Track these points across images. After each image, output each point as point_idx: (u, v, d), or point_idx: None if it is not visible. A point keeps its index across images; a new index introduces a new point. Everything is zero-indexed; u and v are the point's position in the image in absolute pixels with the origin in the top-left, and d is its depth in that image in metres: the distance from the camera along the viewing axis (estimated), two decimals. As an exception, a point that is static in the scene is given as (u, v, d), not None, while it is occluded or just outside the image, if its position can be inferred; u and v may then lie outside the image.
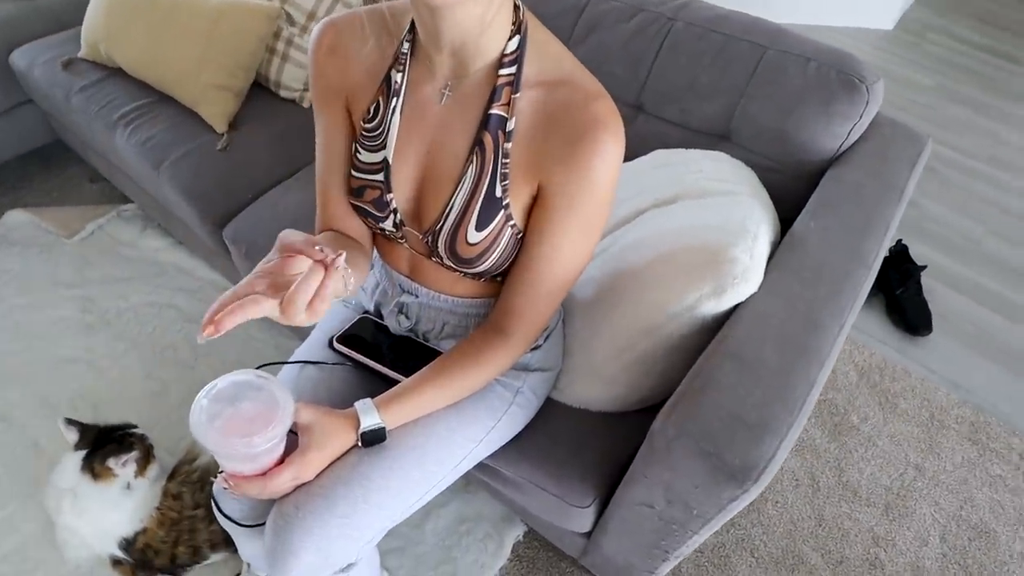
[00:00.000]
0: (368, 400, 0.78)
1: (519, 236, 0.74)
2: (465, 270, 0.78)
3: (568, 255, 0.72)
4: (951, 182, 2.30)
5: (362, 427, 0.76)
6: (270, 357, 1.56)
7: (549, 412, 1.01)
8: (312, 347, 0.96)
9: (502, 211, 0.71)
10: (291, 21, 1.49)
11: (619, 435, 1.01)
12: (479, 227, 0.72)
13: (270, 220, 1.30)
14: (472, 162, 0.70)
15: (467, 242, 0.73)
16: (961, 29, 3.32)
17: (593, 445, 0.99)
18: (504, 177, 0.69)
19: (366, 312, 1.00)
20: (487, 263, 0.75)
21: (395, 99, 0.73)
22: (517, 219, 0.72)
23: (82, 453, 1.17)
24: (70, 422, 1.21)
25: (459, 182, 0.71)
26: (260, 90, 1.57)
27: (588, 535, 1.06)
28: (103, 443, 1.19)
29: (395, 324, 0.93)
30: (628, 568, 1.04)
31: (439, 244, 0.76)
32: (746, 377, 0.76)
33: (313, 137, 0.86)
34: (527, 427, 0.98)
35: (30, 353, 1.54)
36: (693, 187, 1.02)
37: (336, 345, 0.94)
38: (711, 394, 0.75)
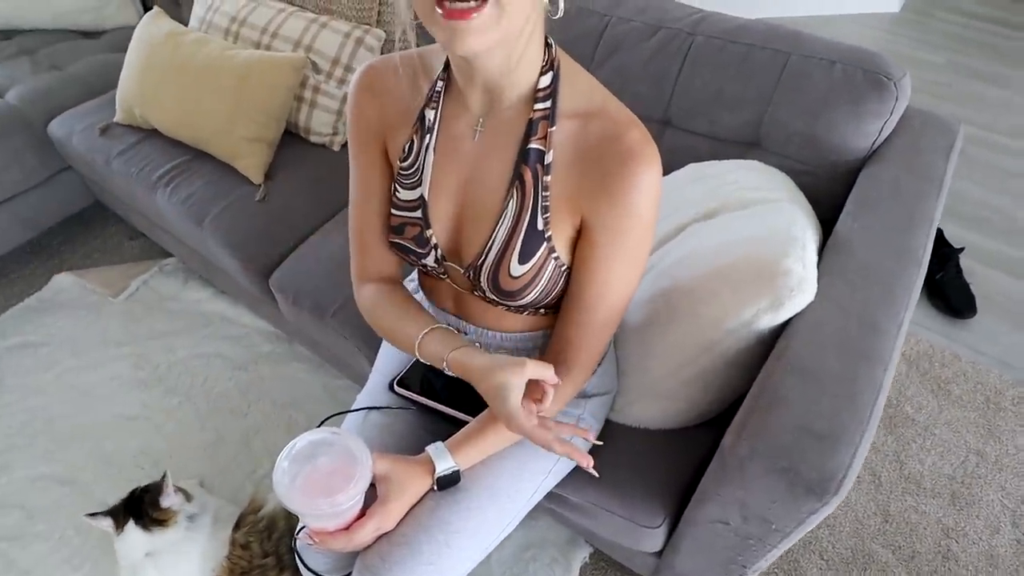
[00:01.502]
0: (440, 444, 0.80)
1: (563, 269, 0.75)
2: (509, 303, 0.79)
3: (617, 286, 0.74)
4: (976, 159, 2.28)
5: (438, 471, 0.78)
6: (318, 397, 1.59)
7: (609, 434, 1.02)
8: (373, 393, 0.98)
9: (544, 243, 0.72)
10: (316, 69, 1.53)
11: (682, 451, 1.02)
12: (522, 260, 0.73)
13: (314, 265, 1.33)
14: (512, 196, 0.72)
15: (510, 275, 0.74)
16: (967, 3, 3.29)
17: (657, 464, 1.00)
18: (545, 210, 0.71)
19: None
20: (531, 296, 0.76)
21: (428, 136, 0.75)
22: (560, 251, 0.74)
23: (131, 523, 1.18)
24: (94, 515, 1.21)
25: (500, 216, 0.73)
26: (291, 137, 1.61)
27: (659, 554, 1.06)
28: (137, 505, 1.20)
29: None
30: (703, 582, 1.04)
31: (481, 278, 0.77)
32: (811, 389, 0.77)
33: (346, 178, 0.88)
34: (590, 452, 0.99)
35: (88, 414, 1.59)
36: (732, 198, 1.03)
37: (396, 389, 0.96)
38: (779, 410, 0.76)
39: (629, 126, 0.67)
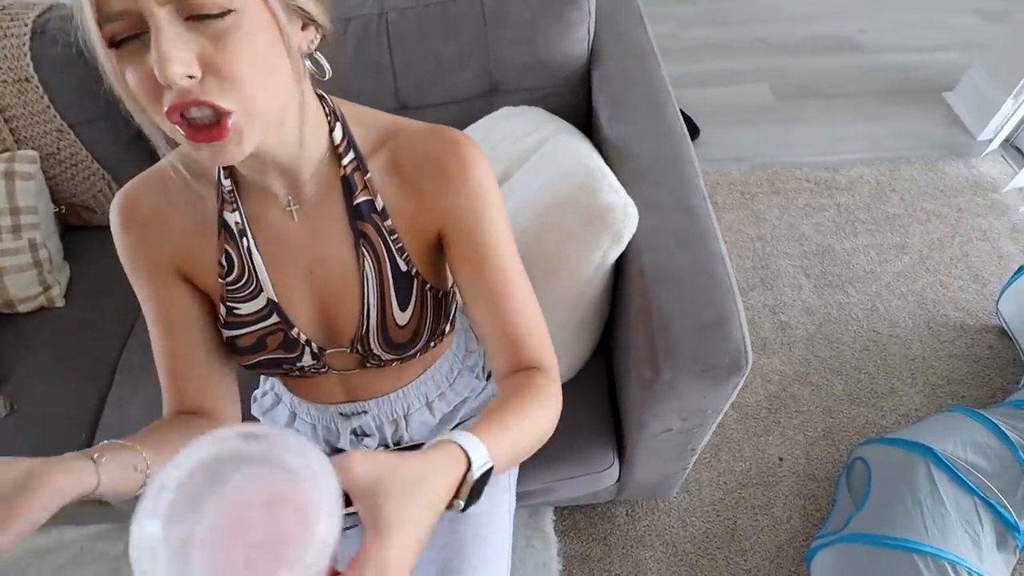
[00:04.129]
0: (462, 432, 0.51)
1: (441, 294, 0.73)
2: (407, 353, 0.74)
3: (511, 259, 0.67)
4: None
5: (474, 466, 0.48)
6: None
7: (529, 415, 1.04)
8: None
9: (415, 281, 0.69)
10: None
11: (592, 385, 1.07)
12: (402, 307, 0.70)
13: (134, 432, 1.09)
14: (365, 257, 0.67)
15: (398, 326, 0.71)
16: None
17: (583, 410, 1.05)
18: (402, 251, 0.68)
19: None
20: (425, 335, 0.73)
21: (244, 239, 0.66)
22: (432, 279, 0.71)
23: None
24: None
25: (362, 282, 0.68)
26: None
27: (617, 479, 1.14)
28: None
29: (361, 447, 0.86)
30: (663, 480, 1.15)
31: (371, 344, 0.71)
32: (682, 289, 0.84)
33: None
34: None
35: None
36: (511, 153, 1.04)
37: None
38: (672, 325, 0.82)
39: (434, 129, 0.66)
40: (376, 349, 0.71)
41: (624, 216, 0.85)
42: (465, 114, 1.18)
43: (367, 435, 0.85)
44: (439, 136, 0.65)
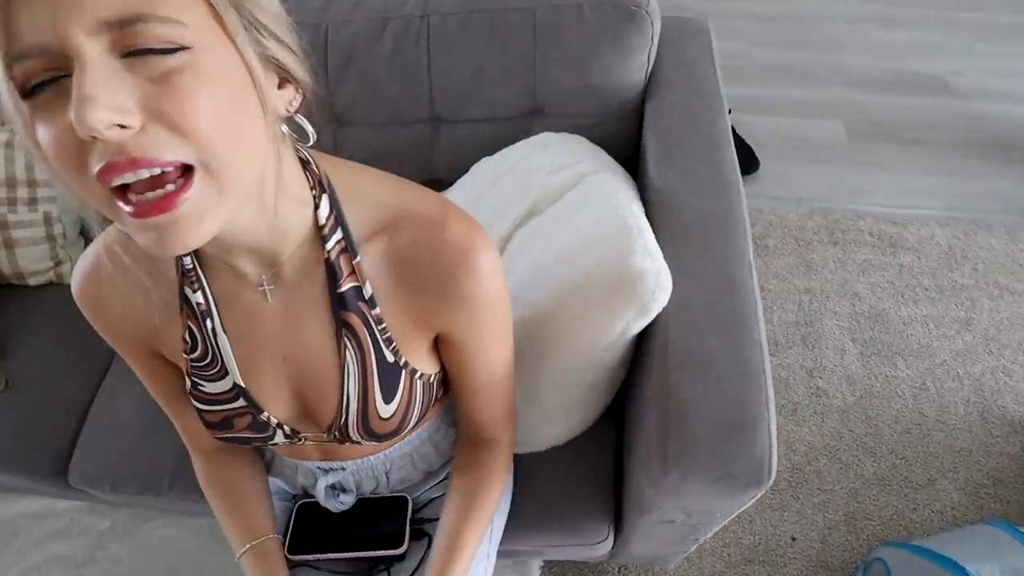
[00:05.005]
0: None
1: (432, 379, 0.66)
2: (388, 441, 0.69)
3: (501, 361, 0.68)
4: (708, 12, 2.41)
5: None
6: (194, 553, 1.34)
7: (526, 470, 0.96)
8: None
9: (403, 372, 0.62)
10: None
11: (596, 449, 0.99)
12: (387, 399, 0.62)
13: (115, 440, 1.05)
14: (346, 347, 0.59)
15: (381, 418, 0.64)
16: None
17: (581, 476, 0.97)
18: (389, 342, 0.59)
19: (295, 497, 0.86)
20: (411, 422, 0.67)
21: (208, 320, 0.58)
22: (422, 366, 0.64)
23: None
24: None
25: (342, 372, 0.60)
26: (4, 292, 1.24)
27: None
28: None
29: (336, 505, 0.80)
30: (660, 556, 1.06)
31: (350, 433, 0.65)
32: (709, 379, 0.74)
33: None
34: (515, 496, 0.93)
35: None
36: (543, 188, 0.95)
37: (290, 557, 0.80)
38: (689, 418, 0.73)
39: (443, 221, 0.56)
40: (355, 436, 0.65)
41: (656, 287, 0.76)
42: (501, 134, 1.09)
43: (344, 490, 0.79)
44: (450, 240, 0.55)
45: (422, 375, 0.63)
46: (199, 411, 0.63)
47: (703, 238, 0.86)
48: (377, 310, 0.58)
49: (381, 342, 0.59)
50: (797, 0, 2.40)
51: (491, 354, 0.65)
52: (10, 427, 1.10)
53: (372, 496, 0.82)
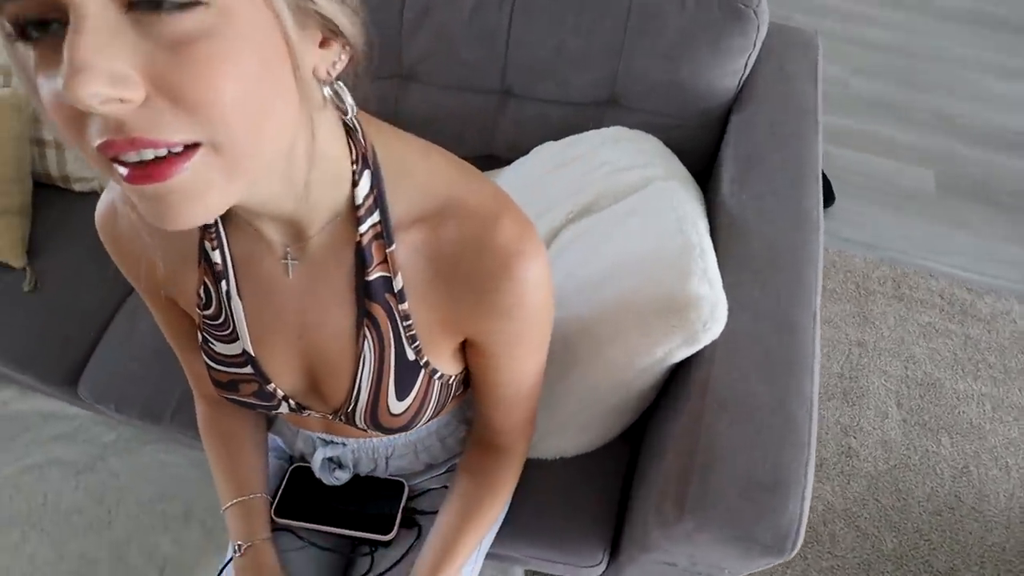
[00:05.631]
0: None
1: (452, 380, 0.61)
2: (393, 434, 0.66)
3: (528, 372, 0.62)
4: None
5: None
6: (189, 479, 1.34)
7: (527, 474, 0.90)
8: None
9: (422, 371, 0.57)
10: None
11: (605, 471, 0.93)
12: (400, 396, 0.57)
13: (128, 362, 1.04)
14: (366, 337, 0.53)
15: (391, 414, 0.59)
16: None
17: (584, 494, 0.91)
18: (413, 339, 0.54)
19: (292, 459, 0.83)
20: (422, 420, 0.62)
21: (223, 282, 0.53)
22: (444, 367, 0.58)
23: None
24: None
25: (358, 361, 0.55)
26: (47, 193, 1.22)
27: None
28: None
29: (331, 479, 0.76)
30: (653, 591, 1.00)
31: (356, 421, 0.61)
32: (746, 428, 0.68)
33: None
34: (513, 500, 0.88)
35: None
36: (605, 186, 0.88)
37: (276, 519, 0.77)
38: (718, 468, 0.66)
39: (495, 220, 0.49)
40: (361, 425, 0.61)
41: (710, 317, 0.68)
42: (570, 119, 1.02)
43: (341, 466, 0.76)
44: (499, 242, 0.48)
45: (442, 375, 0.59)
46: (208, 367, 0.60)
47: (769, 272, 0.78)
48: (405, 305, 0.52)
49: (404, 339, 0.54)
50: (912, 32, 2.23)
51: (521, 368, 0.59)
52: (31, 329, 1.09)
53: (368, 476, 0.78)
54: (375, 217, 0.48)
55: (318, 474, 0.75)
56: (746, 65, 0.96)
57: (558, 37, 0.96)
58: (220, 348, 0.57)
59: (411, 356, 0.55)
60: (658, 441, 0.81)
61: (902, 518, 1.31)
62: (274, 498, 0.77)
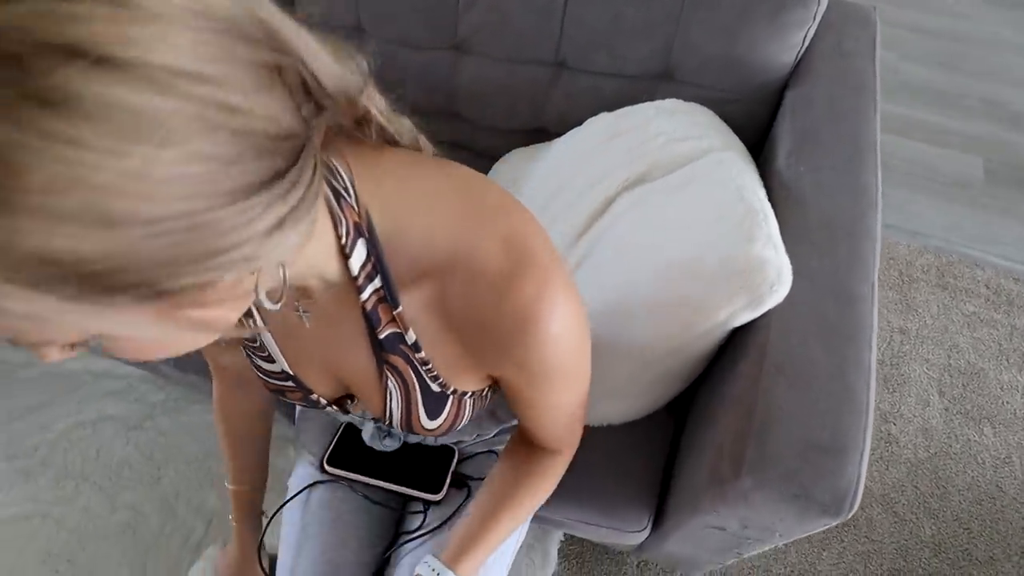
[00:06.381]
0: (433, 560, 0.66)
1: (485, 392, 0.61)
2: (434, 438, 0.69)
3: (566, 403, 0.60)
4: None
5: None
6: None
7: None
8: (306, 473, 0.83)
9: (450, 397, 0.57)
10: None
11: (651, 439, 0.94)
12: (432, 416, 0.59)
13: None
14: (389, 378, 0.55)
15: (425, 429, 0.61)
16: None
17: (630, 461, 0.92)
18: (435, 378, 0.54)
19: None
20: (459, 426, 0.63)
21: (250, 319, 0.55)
22: (474, 385, 0.58)
23: None
24: None
25: (385, 394, 0.57)
26: None
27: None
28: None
29: (381, 446, 0.78)
30: (691, 561, 1.01)
31: (393, 426, 0.63)
32: (804, 394, 0.68)
33: None
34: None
35: (-39, 528, 1.30)
36: (660, 156, 0.88)
37: (328, 469, 0.80)
38: (776, 429, 0.67)
39: (508, 281, 0.45)
40: (398, 431, 0.65)
41: (777, 280, 0.69)
42: (623, 92, 1.02)
43: (392, 437, 0.78)
44: (514, 307, 0.45)
45: (473, 393, 0.59)
46: (258, 376, 0.62)
47: (827, 242, 0.78)
48: (422, 354, 0.52)
49: (427, 379, 0.55)
50: (966, 18, 2.18)
51: (558, 401, 0.58)
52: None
53: (417, 443, 0.80)
54: (376, 283, 0.47)
55: (368, 442, 0.77)
56: (804, 40, 0.95)
57: (615, 8, 0.96)
58: (262, 365, 0.60)
59: (436, 389, 0.55)
60: (709, 408, 0.82)
61: (941, 505, 1.30)
62: (325, 451, 0.81)
